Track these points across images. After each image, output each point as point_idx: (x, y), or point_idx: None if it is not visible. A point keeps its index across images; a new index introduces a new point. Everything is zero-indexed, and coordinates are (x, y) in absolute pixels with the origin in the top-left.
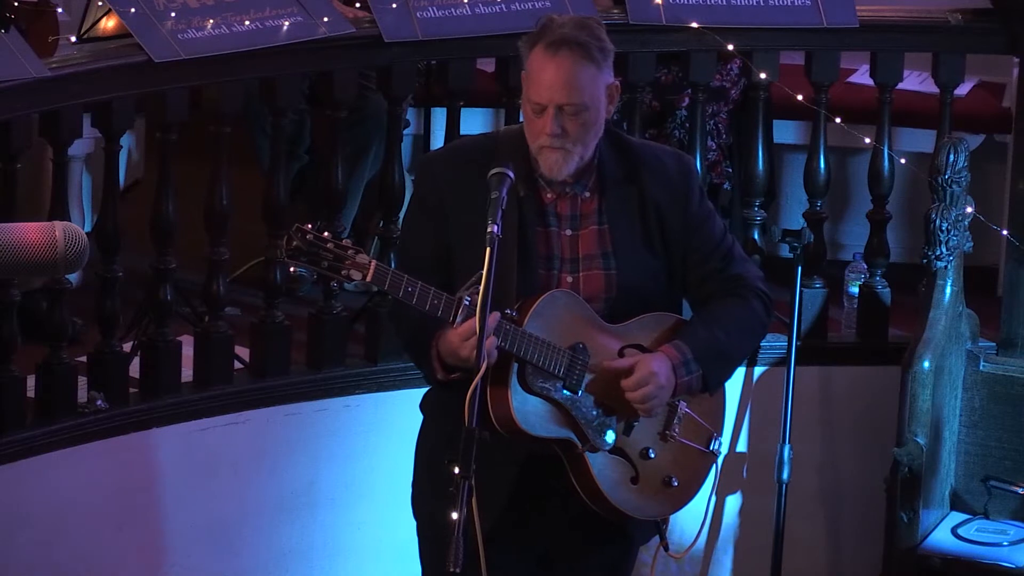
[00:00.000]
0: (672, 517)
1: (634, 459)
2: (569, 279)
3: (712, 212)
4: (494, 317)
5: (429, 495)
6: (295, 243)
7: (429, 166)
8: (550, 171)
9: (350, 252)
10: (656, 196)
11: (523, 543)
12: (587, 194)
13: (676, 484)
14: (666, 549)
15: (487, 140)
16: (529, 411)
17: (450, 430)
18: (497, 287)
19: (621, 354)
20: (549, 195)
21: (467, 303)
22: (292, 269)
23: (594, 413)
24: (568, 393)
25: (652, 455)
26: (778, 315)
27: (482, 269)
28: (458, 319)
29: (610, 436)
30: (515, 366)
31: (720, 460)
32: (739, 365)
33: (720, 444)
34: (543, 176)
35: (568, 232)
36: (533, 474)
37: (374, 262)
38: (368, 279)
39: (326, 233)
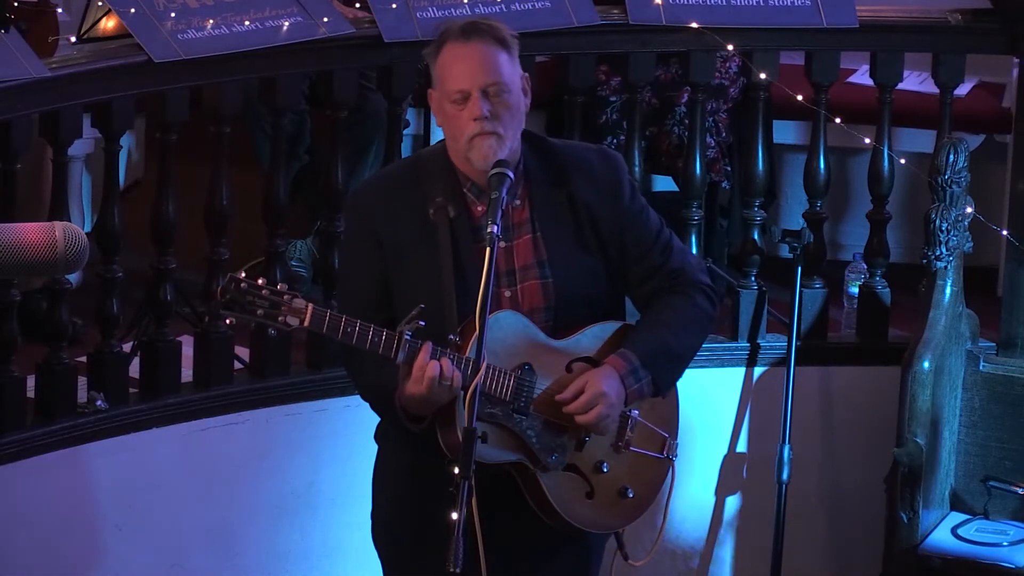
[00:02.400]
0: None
1: (588, 474)
2: (507, 293)
3: (646, 207)
4: (444, 363)
5: (391, 528)
6: (229, 295)
7: (356, 200)
8: (484, 158)
9: (286, 298)
10: (586, 196)
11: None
12: (517, 202)
13: (632, 495)
14: (625, 558)
15: (410, 164)
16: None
17: (409, 458)
18: (437, 313)
19: (569, 370)
20: (480, 208)
21: (408, 338)
22: (228, 321)
23: (544, 433)
24: (517, 416)
25: (606, 469)
26: (778, 315)
27: (405, 290)
28: (400, 355)
29: (562, 455)
30: (461, 393)
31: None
32: (689, 362)
33: (676, 448)
34: (472, 189)
35: (502, 244)
36: (491, 494)
37: (311, 306)
38: (306, 324)
39: (260, 280)
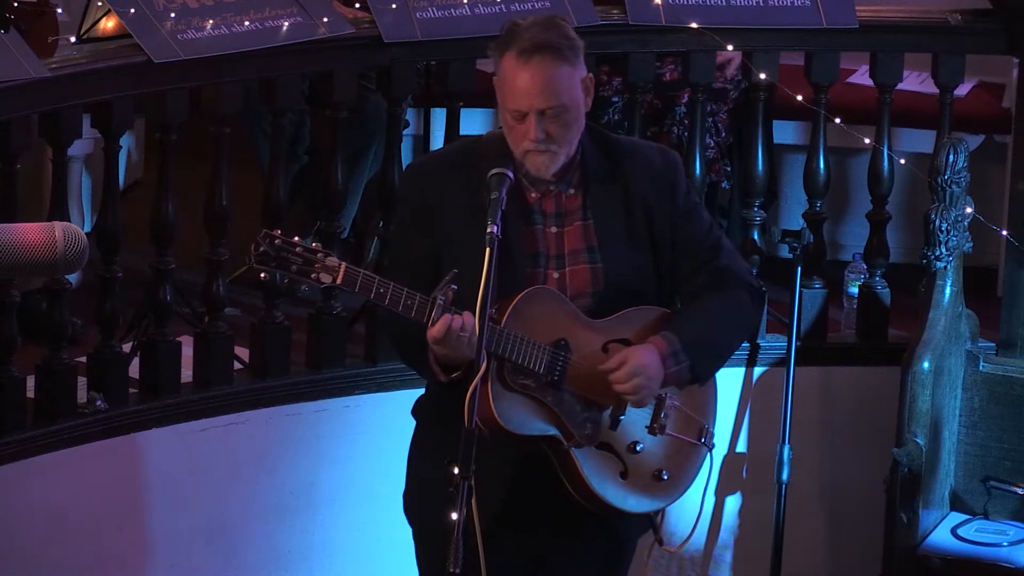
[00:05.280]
0: (668, 511)
1: (622, 454)
2: (555, 275)
3: (698, 205)
4: (467, 317)
5: (425, 501)
6: (263, 248)
7: (413, 174)
8: (538, 171)
9: (319, 255)
10: (642, 189)
11: (517, 541)
12: (571, 191)
13: (667, 478)
14: (660, 543)
15: (469, 145)
16: (511, 409)
17: (444, 435)
18: (476, 286)
19: (605, 349)
20: (533, 195)
21: (441, 302)
22: (262, 275)
23: (578, 409)
24: (550, 389)
25: (639, 449)
26: (778, 315)
27: (455, 269)
28: (433, 318)
29: (595, 431)
30: (495, 364)
31: (715, 452)
32: (728, 358)
33: (713, 436)
34: (527, 176)
35: (553, 229)
36: (526, 473)
37: (344, 265)
38: (338, 281)
39: (295, 238)
